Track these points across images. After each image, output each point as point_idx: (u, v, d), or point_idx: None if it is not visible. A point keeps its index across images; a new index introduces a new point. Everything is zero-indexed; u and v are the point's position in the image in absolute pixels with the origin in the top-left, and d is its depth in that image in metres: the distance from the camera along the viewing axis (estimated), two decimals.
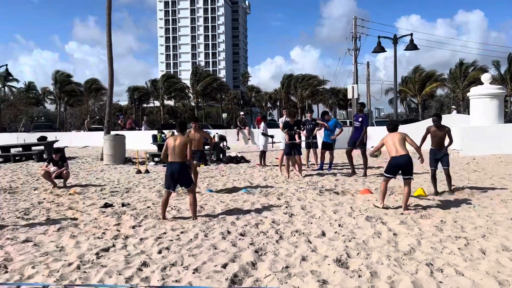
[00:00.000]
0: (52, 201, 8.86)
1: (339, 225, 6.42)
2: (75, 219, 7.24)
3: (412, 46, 22.05)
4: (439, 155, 8.66)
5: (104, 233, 6.29)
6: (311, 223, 6.62)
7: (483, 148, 15.56)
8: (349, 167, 12.03)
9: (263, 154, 14.36)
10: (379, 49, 23.15)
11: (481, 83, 17.58)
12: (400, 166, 7.47)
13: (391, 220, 6.59)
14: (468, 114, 19.19)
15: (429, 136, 8.70)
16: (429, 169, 8.89)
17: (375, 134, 16.14)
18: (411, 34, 22.13)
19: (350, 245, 5.40)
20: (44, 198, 9.22)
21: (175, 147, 6.97)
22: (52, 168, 10.60)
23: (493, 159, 14.42)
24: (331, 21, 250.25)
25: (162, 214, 7.13)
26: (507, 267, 4.52)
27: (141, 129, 26.27)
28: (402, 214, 7.00)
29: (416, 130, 19.39)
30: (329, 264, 4.73)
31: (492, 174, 11.28)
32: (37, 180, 12.20)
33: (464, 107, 55.40)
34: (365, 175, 11.48)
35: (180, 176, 6.95)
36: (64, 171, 10.63)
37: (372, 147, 9.05)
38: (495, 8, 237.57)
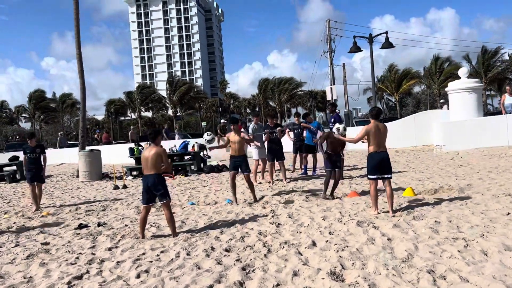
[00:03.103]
0: (23, 225, 8.28)
1: (330, 233, 6.05)
2: (47, 243, 6.71)
3: (387, 44, 21.98)
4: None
5: (77, 258, 5.79)
6: (300, 232, 6.24)
7: (465, 142, 15.47)
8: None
9: None
10: (355, 49, 23.02)
11: (457, 78, 17.56)
12: (382, 163, 6.90)
13: (383, 224, 6.25)
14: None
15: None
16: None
17: (355, 134, 15.90)
18: (386, 32, 22.08)
19: (344, 255, 5.03)
20: (14, 223, 8.61)
21: (148, 159, 6.52)
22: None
23: (476, 153, 14.32)
24: (308, 25, 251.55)
25: (141, 232, 6.65)
26: None
27: (129, 142, 25.35)
28: (394, 216, 6.68)
29: (397, 128, 19.37)
30: (323, 278, 4.35)
31: (479, 168, 11.10)
32: (8, 203, 11.54)
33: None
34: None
35: (155, 188, 6.49)
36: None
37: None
38: (465, 5, 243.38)
